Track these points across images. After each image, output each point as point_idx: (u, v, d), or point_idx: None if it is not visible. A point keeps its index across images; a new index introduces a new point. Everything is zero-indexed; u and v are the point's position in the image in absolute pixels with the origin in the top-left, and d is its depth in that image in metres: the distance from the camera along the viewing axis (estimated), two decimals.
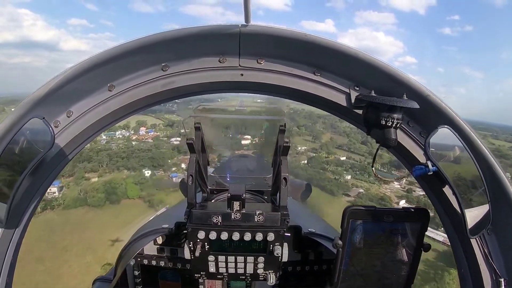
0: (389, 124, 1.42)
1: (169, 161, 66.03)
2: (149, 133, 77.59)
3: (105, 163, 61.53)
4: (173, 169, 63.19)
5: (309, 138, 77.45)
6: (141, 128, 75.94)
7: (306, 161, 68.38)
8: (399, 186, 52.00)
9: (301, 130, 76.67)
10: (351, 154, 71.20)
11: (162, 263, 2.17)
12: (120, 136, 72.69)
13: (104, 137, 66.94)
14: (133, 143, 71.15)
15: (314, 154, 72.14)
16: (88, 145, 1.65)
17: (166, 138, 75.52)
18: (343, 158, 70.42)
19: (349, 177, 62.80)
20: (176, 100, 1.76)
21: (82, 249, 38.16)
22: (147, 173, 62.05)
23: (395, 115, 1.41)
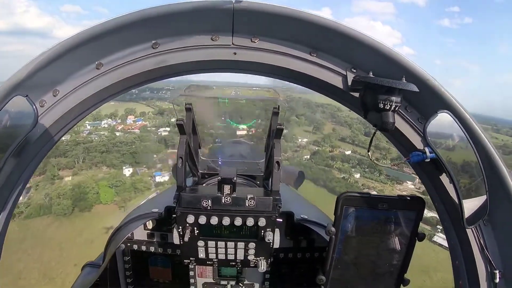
0: (387, 107, 1.38)
1: (155, 156, 61.50)
2: (137, 122, 72.55)
3: (82, 159, 55.72)
4: (158, 165, 57.69)
5: (309, 129, 74.15)
6: (129, 117, 72.51)
7: (308, 156, 64.48)
8: (413, 187, 48.57)
9: (301, 120, 73.48)
10: (356, 148, 67.53)
11: (152, 249, 2.14)
12: (106, 126, 68.04)
13: (88, 127, 63.90)
14: (117, 133, 65.92)
15: (317, 148, 67.72)
16: (67, 136, 1.57)
17: (154, 128, 71.06)
18: (348, 152, 66.02)
19: (358, 175, 58.34)
20: (170, 87, 1.70)
21: (39, 275, 33.46)
22: (128, 171, 56.13)
23: (394, 98, 1.37)
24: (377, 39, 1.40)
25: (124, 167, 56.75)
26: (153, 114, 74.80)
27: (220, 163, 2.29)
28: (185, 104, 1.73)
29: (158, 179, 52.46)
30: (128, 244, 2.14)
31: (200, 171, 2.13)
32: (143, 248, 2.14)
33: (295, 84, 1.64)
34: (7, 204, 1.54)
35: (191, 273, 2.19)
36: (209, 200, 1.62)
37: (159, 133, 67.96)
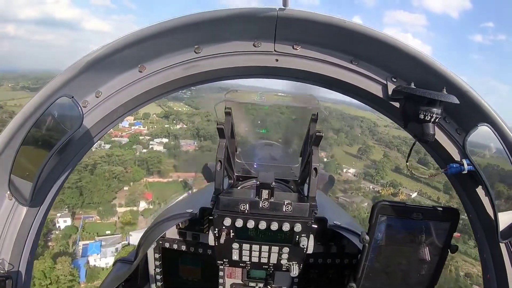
0: (428, 119, 1.38)
1: (116, 195, 49.68)
2: (135, 127, 64.32)
3: None
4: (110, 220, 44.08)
5: (351, 150, 62.64)
6: (127, 118, 65.72)
7: (367, 204, 47.58)
8: None
9: (340, 137, 63.09)
10: (420, 186, 53.84)
11: (183, 247, 2.17)
12: None
13: None
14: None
15: (372, 187, 52.24)
16: None
17: (148, 138, 62.52)
18: (414, 195, 51.55)
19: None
20: (192, 88, 1.73)
21: None
22: (64, 222, 40.06)
23: (435, 110, 1.37)
24: (419, 49, 1.40)
25: (58, 215, 41.11)
26: (157, 117, 69.94)
27: (255, 166, 2.31)
28: (225, 108, 1.75)
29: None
30: (160, 242, 2.18)
31: (235, 174, 2.15)
32: (175, 246, 2.17)
33: (326, 93, 1.65)
34: (48, 197, 1.61)
35: (221, 273, 2.22)
36: (247, 204, 1.64)
37: (150, 145, 60.28)
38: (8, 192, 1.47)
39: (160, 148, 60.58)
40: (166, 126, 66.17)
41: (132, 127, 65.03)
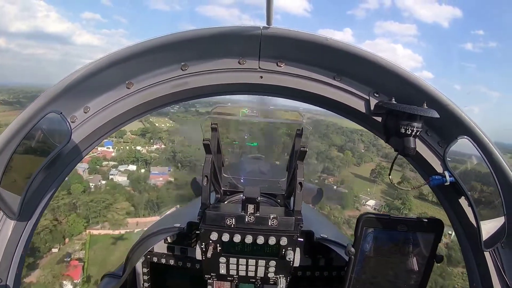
0: (409, 133, 1.41)
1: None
2: (103, 147, 49.89)
3: None
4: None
5: (361, 171, 54.62)
6: None
7: None
8: None
9: (347, 155, 56.83)
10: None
11: (171, 262, 2.17)
12: None
13: None
14: None
15: None
16: None
17: (113, 163, 49.37)
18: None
19: None
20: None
21: None
22: None
23: (415, 124, 1.40)
24: (399, 65, 1.45)
25: None
26: (132, 135, 57.98)
27: (242, 180, 2.33)
28: (211, 124, 1.78)
29: None
30: (148, 256, 2.18)
31: (222, 188, 2.17)
32: (163, 261, 2.17)
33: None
34: (36, 212, 1.60)
35: (209, 287, 2.21)
36: (233, 219, 1.66)
37: (111, 176, 46.98)
38: None
39: (123, 178, 46.80)
40: (138, 148, 55.72)
41: (100, 148, 49.34)
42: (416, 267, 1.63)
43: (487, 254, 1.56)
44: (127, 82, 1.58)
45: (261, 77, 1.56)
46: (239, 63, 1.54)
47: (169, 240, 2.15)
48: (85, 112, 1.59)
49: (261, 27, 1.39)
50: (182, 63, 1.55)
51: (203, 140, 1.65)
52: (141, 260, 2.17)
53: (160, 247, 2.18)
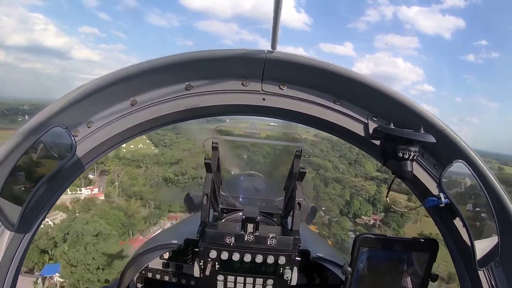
0: (406, 157, 1.45)
1: None
2: None
3: None
4: None
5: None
6: None
7: None
8: None
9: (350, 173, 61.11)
10: None
11: (166, 278, 2.16)
12: None
13: None
14: None
15: None
16: None
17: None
18: None
19: None
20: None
21: None
22: None
23: (412, 148, 1.44)
24: (397, 90, 1.50)
25: None
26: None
27: (240, 199, 2.35)
28: (212, 143, 1.81)
29: None
30: (143, 272, 2.17)
31: (220, 206, 2.18)
32: (158, 276, 2.17)
33: None
34: (33, 224, 1.60)
35: None
36: (232, 237, 1.68)
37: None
38: None
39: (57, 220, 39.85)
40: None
41: None
42: (411, 286, 1.65)
43: (481, 273, 1.59)
44: (131, 99, 1.60)
45: (264, 99, 1.59)
46: (242, 84, 1.57)
47: (164, 256, 2.15)
48: (88, 127, 1.60)
49: (266, 51, 1.43)
50: (187, 83, 1.57)
51: (205, 159, 1.68)
52: (136, 275, 2.16)
53: (156, 263, 2.18)
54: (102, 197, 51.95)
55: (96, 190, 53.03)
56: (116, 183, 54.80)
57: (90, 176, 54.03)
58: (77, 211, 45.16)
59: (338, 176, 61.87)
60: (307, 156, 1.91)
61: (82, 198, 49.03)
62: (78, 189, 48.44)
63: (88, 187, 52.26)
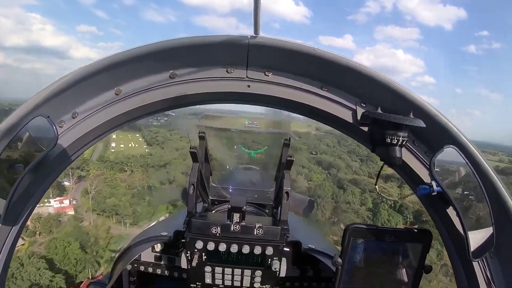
0: (394, 142, 1.42)
1: None
2: None
3: None
4: None
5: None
6: None
7: None
8: None
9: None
10: None
11: (158, 271, 2.15)
12: None
13: None
14: None
15: None
16: None
17: None
18: None
19: None
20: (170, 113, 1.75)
21: None
22: None
23: (401, 133, 1.41)
24: (386, 75, 1.46)
25: None
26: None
27: (231, 190, 2.32)
28: (199, 133, 1.79)
29: None
30: (135, 265, 2.15)
31: (210, 198, 2.16)
32: (150, 270, 2.15)
33: None
34: (20, 217, 1.59)
35: None
36: (218, 227, 1.65)
37: None
38: None
39: None
40: None
41: None
42: (404, 278, 1.62)
43: (475, 264, 1.56)
44: (115, 88, 1.58)
45: (249, 86, 1.56)
46: (227, 72, 1.55)
47: (156, 249, 2.13)
48: (73, 117, 1.59)
49: (249, 36, 1.40)
50: (171, 71, 1.55)
51: (190, 148, 1.65)
52: (128, 268, 2.14)
53: (147, 256, 2.16)
54: (71, 212, 46.85)
55: (66, 202, 47.23)
56: (90, 194, 49.01)
57: (66, 183, 49.34)
58: (38, 232, 40.75)
59: (355, 177, 57.84)
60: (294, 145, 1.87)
61: (50, 212, 43.89)
62: (46, 200, 43.00)
63: (57, 199, 46.65)
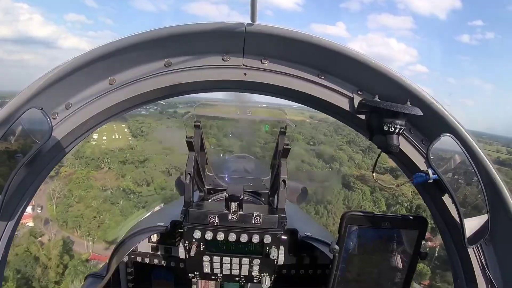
0: (392, 130, 1.42)
1: None
2: None
3: None
4: None
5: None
6: None
7: None
8: None
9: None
10: None
11: (155, 261, 2.16)
12: None
13: None
14: None
15: None
16: None
17: None
18: None
19: None
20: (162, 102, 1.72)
21: None
22: None
23: (398, 121, 1.41)
24: (383, 63, 1.45)
25: None
26: None
27: (226, 179, 2.33)
28: (194, 121, 1.77)
29: None
30: (132, 256, 2.16)
31: (206, 187, 2.16)
32: (147, 260, 2.15)
33: None
34: (16, 210, 1.58)
35: (194, 286, 2.20)
36: (216, 217, 1.66)
37: None
38: None
39: None
40: None
41: None
42: (400, 264, 1.64)
43: (470, 251, 1.58)
44: (109, 78, 1.56)
45: (245, 74, 1.55)
46: (223, 60, 1.53)
47: (153, 239, 2.14)
48: (67, 109, 1.57)
49: (245, 24, 1.39)
50: (166, 59, 1.54)
51: (186, 137, 1.65)
52: (125, 259, 2.15)
53: (144, 246, 2.17)
54: (31, 223, 39.60)
55: (29, 210, 37.68)
56: (54, 200, 42.89)
57: None
58: None
59: (362, 173, 52.23)
60: (291, 133, 1.87)
61: None
62: None
63: None
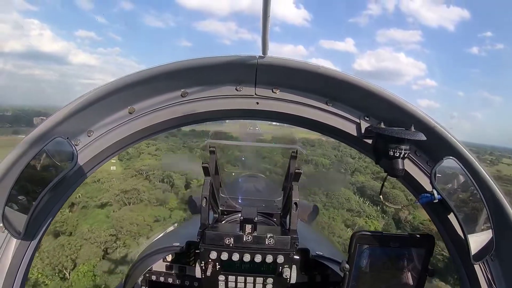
0: (397, 155, 1.48)
1: None
2: None
3: None
4: None
5: None
6: None
7: None
8: None
9: None
10: None
11: (170, 280, 2.21)
12: None
13: None
14: None
15: None
16: None
17: None
18: None
19: None
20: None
21: None
22: None
23: (403, 147, 1.47)
24: (387, 90, 1.54)
25: None
26: None
27: (240, 200, 2.39)
28: (209, 147, 1.86)
29: None
30: (147, 275, 2.21)
31: (220, 208, 2.23)
32: (161, 279, 2.21)
33: None
34: (39, 231, 1.65)
35: None
36: (232, 238, 1.72)
37: None
38: (1, 225, 1.51)
39: None
40: None
41: None
42: (409, 281, 1.68)
43: (477, 267, 1.62)
44: (129, 107, 1.65)
45: (257, 103, 1.64)
46: (236, 90, 1.62)
47: (167, 259, 2.19)
48: (89, 136, 1.66)
49: (257, 56, 1.48)
50: (182, 90, 1.62)
51: (202, 163, 1.73)
52: (140, 278, 2.20)
53: (159, 265, 2.22)
54: None
55: None
56: None
57: None
58: None
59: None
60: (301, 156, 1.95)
61: None
62: None
63: None
